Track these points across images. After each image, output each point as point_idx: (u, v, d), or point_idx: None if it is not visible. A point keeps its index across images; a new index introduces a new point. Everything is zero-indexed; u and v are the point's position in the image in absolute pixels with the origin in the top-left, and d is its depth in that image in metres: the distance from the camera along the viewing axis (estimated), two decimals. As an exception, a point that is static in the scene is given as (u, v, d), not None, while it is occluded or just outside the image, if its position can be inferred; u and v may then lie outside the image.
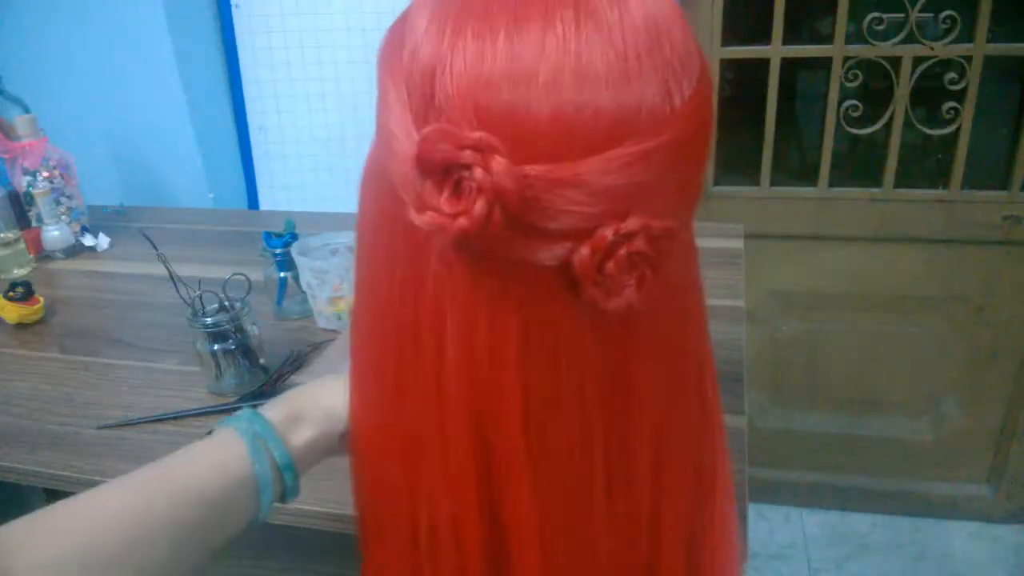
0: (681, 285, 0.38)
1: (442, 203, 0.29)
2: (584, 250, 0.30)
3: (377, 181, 0.36)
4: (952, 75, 1.34)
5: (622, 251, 0.31)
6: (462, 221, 0.29)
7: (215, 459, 0.43)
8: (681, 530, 0.40)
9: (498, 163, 0.28)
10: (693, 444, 0.40)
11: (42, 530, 0.38)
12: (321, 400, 0.47)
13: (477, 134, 0.29)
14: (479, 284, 0.32)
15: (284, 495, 0.45)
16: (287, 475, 0.44)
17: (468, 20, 0.31)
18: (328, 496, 0.61)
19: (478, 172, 0.28)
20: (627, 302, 0.32)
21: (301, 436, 0.45)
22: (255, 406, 0.47)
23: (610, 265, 0.31)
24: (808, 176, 1.49)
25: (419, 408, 0.36)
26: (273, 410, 0.46)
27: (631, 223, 0.30)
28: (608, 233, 0.30)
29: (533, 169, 0.29)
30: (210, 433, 0.45)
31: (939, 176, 1.44)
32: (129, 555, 0.38)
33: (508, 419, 0.34)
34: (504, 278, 0.32)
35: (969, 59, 1.32)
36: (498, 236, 0.30)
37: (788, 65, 1.40)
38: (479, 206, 0.29)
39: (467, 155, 0.29)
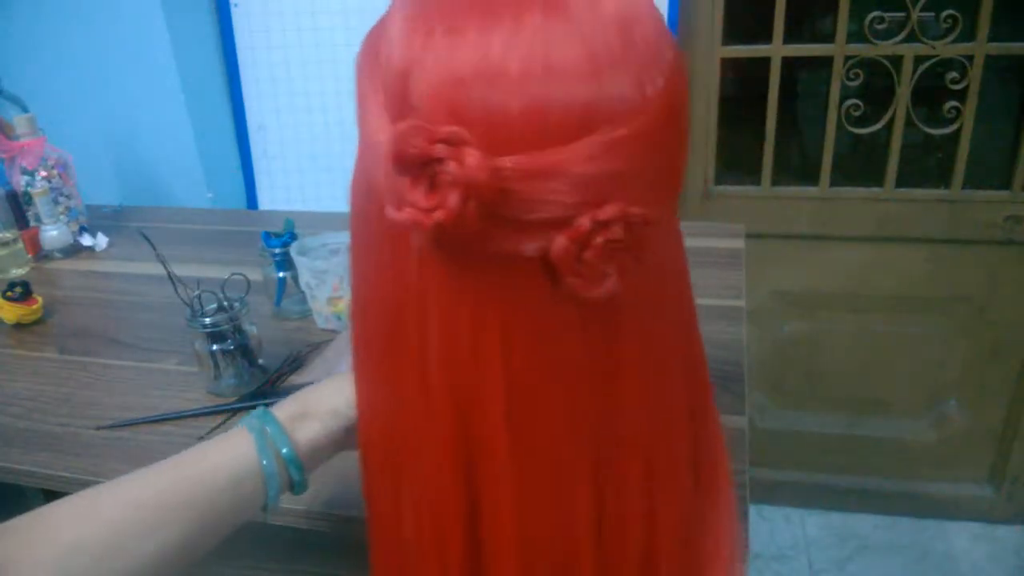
0: (665, 273, 0.38)
1: (418, 198, 0.30)
2: (561, 240, 0.31)
3: (361, 182, 0.36)
4: (954, 74, 1.34)
5: (600, 239, 0.31)
6: (438, 214, 0.29)
7: (226, 450, 0.46)
8: (677, 531, 0.40)
9: (471, 155, 0.29)
10: (686, 438, 0.40)
11: (69, 514, 0.41)
12: (327, 397, 0.49)
13: (449, 128, 0.29)
14: (459, 279, 0.32)
15: (292, 488, 0.48)
16: (292, 468, 0.46)
17: (439, 19, 0.31)
18: (328, 497, 0.61)
19: (451, 165, 0.29)
20: (608, 291, 0.32)
21: (307, 432, 0.47)
22: (268, 404, 0.50)
23: (589, 254, 0.31)
24: (809, 176, 1.49)
25: (404, 403, 0.37)
26: (282, 408, 0.49)
27: (608, 211, 0.30)
28: (585, 222, 0.30)
29: (507, 160, 0.29)
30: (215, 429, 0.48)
31: (941, 176, 1.44)
32: (149, 534, 0.41)
33: (491, 413, 0.34)
34: (484, 272, 0.32)
35: (971, 58, 1.32)
36: (474, 228, 0.30)
37: (789, 64, 1.40)
38: (453, 198, 0.29)
39: (440, 149, 0.29)
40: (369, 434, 0.41)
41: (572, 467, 0.35)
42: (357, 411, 0.44)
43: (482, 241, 0.31)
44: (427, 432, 0.36)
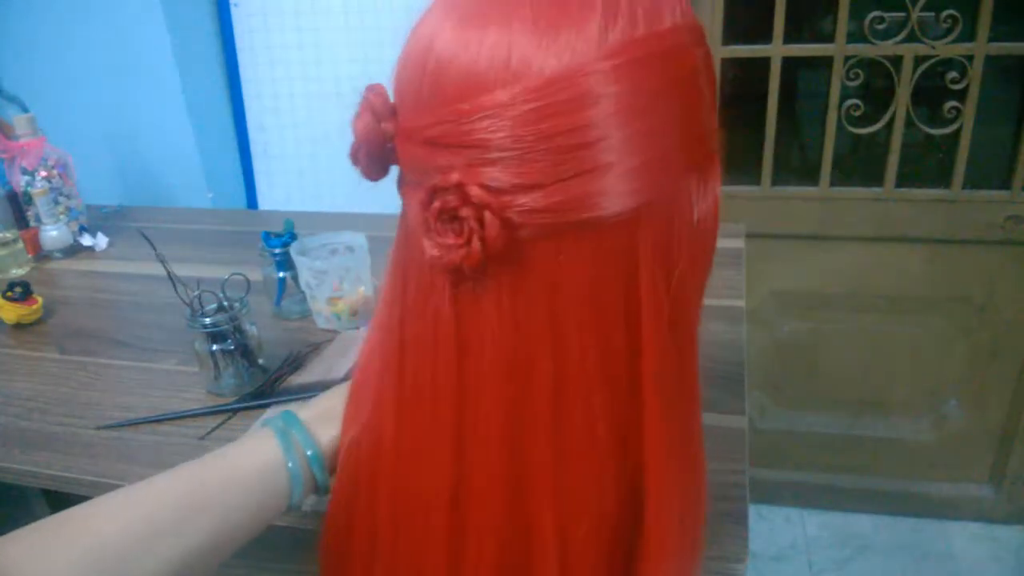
0: (552, 274, 0.34)
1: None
2: (415, 196, 0.34)
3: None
4: (954, 74, 1.34)
5: (436, 204, 0.33)
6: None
7: (252, 451, 0.46)
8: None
9: (364, 117, 0.36)
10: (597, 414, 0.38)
11: (94, 515, 0.41)
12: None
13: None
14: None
15: (316, 489, 0.48)
16: (315, 468, 0.46)
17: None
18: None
19: (356, 121, 0.36)
20: (455, 264, 0.33)
21: (330, 433, 0.47)
22: (293, 400, 0.53)
23: (428, 215, 0.33)
24: (809, 176, 1.49)
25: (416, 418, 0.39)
26: (306, 410, 0.49)
27: (449, 179, 0.32)
28: (428, 184, 0.33)
29: (401, 123, 0.35)
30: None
31: (941, 176, 1.44)
32: (175, 535, 0.41)
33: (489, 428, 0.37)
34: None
35: (971, 58, 1.32)
36: (375, 175, 0.38)
37: (789, 64, 1.40)
38: (353, 140, 0.37)
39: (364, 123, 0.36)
40: (393, 444, 0.41)
41: (594, 431, 0.37)
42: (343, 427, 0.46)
43: (399, 189, 0.38)
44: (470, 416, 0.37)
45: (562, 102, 0.31)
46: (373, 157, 0.37)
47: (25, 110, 1.19)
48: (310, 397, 0.74)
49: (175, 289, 0.75)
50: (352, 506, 0.44)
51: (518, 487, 0.37)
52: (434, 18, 0.35)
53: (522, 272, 0.34)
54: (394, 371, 0.40)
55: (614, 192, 0.32)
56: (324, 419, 0.48)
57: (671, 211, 0.35)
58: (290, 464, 0.45)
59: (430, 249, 0.33)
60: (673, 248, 0.36)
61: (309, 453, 0.46)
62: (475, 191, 0.32)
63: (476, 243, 0.32)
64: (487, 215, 0.32)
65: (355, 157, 0.37)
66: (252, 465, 0.45)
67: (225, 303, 0.77)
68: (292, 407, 0.49)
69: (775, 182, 1.49)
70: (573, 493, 0.37)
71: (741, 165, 1.52)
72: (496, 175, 0.32)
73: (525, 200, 0.32)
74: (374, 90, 0.36)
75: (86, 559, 0.38)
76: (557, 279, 0.34)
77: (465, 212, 0.32)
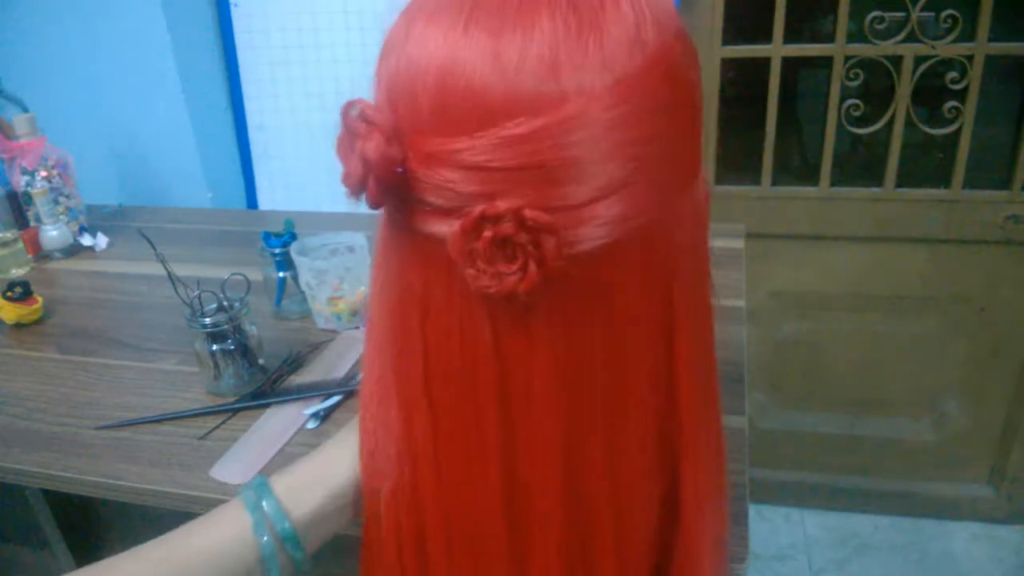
0: (603, 292, 0.35)
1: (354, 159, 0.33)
2: (454, 228, 0.31)
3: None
4: (953, 74, 1.34)
5: (488, 233, 0.30)
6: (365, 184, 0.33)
7: (221, 530, 0.42)
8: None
9: (374, 138, 0.32)
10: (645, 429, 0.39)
11: None
12: (335, 461, 0.45)
13: (373, 117, 0.32)
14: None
15: (294, 569, 0.44)
16: (291, 547, 0.42)
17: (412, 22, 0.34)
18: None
19: (365, 144, 0.33)
20: (507, 290, 0.31)
21: (311, 503, 0.43)
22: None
23: (477, 245, 0.31)
24: (809, 176, 1.49)
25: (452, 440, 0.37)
26: (283, 478, 0.44)
27: (499, 206, 0.30)
28: (474, 213, 0.30)
29: (415, 145, 0.32)
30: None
31: (941, 176, 1.44)
32: None
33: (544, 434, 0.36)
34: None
35: (971, 58, 1.32)
36: (385, 203, 0.34)
37: (789, 64, 1.40)
38: (357, 166, 0.33)
39: (357, 126, 0.33)
40: (431, 472, 0.39)
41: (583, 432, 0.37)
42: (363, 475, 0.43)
43: (400, 215, 0.34)
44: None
45: (630, 112, 0.31)
46: (383, 183, 0.33)
47: (25, 110, 1.19)
48: (310, 397, 0.75)
49: (175, 289, 0.75)
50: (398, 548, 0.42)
51: (576, 501, 0.37)
52: (431, 24, 0.32)
53: (575, 288, 0.33)
54: (423, 409, 0.38)
55: (658, 198, 0.34)
56: (303, 487, 0.44)
57: (691, 214, 0.37)
58: (264, 539, 0.42)
59: (478, 280, 0.31)
60: (697, 251, 0.38)
61: (280, 529, 0.42)
62: (532, 214, 0.30)
63: (532, 268, 0.31)
64: (545, 237, 0.30)
65: (359, 186, 0.33)
66: (220, 549, 0.41)
67: (225, 303, 0.77)
68: (272, 477, 0.45)
69: (775, 182, 1.49)
70: (629, 501, 0.38)
71: (741, 165, 1.52)
72: (560, 193, 0.31)
73: (586, 214, 0.31)
74: (371, 108, 0.33)
75: None
76: (610, 291, 0.34)
77: (522, 238, 0.30)
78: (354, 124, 0.33)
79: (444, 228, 0.32)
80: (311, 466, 0.45)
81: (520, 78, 0.30)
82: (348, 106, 0.33)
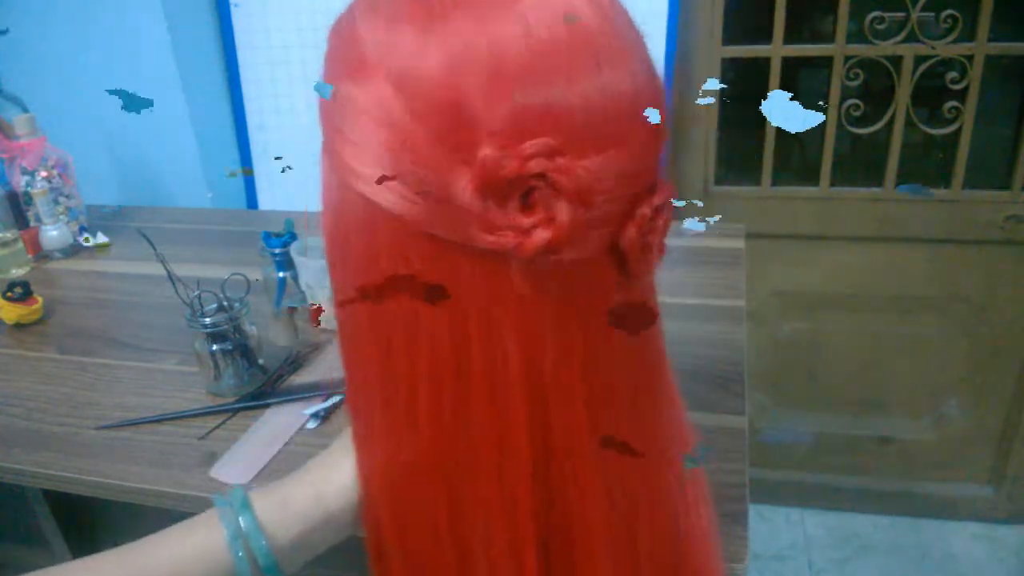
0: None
1: (518, 219, 0.30)
2: (631, 230, 0.32)
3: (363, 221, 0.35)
4: (953, 74, 1.34)
5: (660, 222, 0.33)
6: (541, 233, 0.29)
7: (196, 542, 0.41)
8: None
9: (570, 165, 0.29)
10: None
11: None
12: (323, 474, 0.43)
13: (539, 141, 0.29)
14: (542, 292, 0.32)
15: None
16: (266, 568, 0.41)
17: (464, 22, 0.30)
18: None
19: (556, 178, 0.29)
20: (653, 268, 0.35)
21: (295, 519, 0.42)
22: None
23: (651, 237, 0.33)
24: (809, 176, 1.49)
25: (470, 433, 0.35)
26: (266, 494, 0.43)
27: (659, 197, 0.33)
28: (646, 210, 0.32)
29: (583, 162, 0.30)
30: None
31: (941, 176, 1.44)
32: None
33: (575, 421, 0.35)
34: (563, 279, 0.33)
35: (971, 58, 1.32)
36: (579, 236, 0.30)
37: (789, 64, 1.40)
38: (564, 212, 0.29)
39: (535, 164, 0.29)
40: (403, 483, 0.39)
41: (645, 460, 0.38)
42: (360, 479, 0.41)
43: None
44: (501, 455, 0.35)
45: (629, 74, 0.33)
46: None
47: (25, 110, 1.19)
48: (310, 397, 0.75)
49: (175, 289, 0.75)
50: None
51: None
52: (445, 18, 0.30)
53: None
54: (416, 415, 0.36)
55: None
56: (286, 502, 0.42)
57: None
58: (239, 554, 0.40)
59: (647, 270, 0.34)
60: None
61: (261, 559, 0.40)
62: (672, 201, 0.34)
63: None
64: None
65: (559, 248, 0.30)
66: (200, 566, 0.40)
67: (225, 303, 0.77)
68: (255, 491, 0.43)
69: (775, 182, 1.49)
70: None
71: (741, 165, 1.52)
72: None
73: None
74: (542, 165, 0.29)
75: None
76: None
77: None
78: (523, 168, 0.29)
79: (602, 239, 0.33)
80: (304, 474, 0.44)
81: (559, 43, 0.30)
82: (492, 161, 0.29)
